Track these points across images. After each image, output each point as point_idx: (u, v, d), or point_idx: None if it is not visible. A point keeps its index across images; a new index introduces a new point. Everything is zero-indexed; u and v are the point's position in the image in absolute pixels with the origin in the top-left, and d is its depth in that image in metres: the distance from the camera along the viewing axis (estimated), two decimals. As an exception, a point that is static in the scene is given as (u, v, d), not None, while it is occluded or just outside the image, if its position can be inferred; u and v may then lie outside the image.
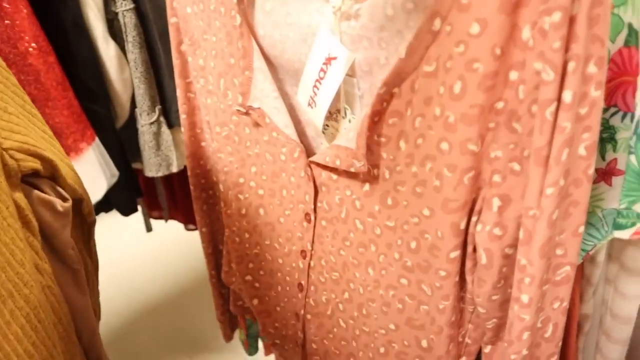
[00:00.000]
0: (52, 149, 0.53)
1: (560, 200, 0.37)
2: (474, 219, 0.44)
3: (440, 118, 0.41)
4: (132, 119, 0.87)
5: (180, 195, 1.02)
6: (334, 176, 0.52)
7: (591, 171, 0.38)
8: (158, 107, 0.86)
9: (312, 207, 0.57)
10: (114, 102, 0.84)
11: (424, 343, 0.54)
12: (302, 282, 0.65)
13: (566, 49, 0.33)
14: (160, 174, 0.89)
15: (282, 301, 0.70)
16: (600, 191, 0.44)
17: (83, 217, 0.59)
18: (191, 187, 0.76)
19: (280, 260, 0.67)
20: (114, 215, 0.97)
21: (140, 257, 1.63)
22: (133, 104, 0.86)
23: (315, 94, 0.51)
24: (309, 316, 0.66)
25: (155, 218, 1.10)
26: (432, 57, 0.40)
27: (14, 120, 0.48)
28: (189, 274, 1.55)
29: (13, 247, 0.45)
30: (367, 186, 0.50)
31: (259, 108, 0.56)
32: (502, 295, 0.47)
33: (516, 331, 0.44)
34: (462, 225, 0.44)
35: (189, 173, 0.75)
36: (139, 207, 1.04)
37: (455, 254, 0.46)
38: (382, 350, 0.58)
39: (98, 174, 0.81)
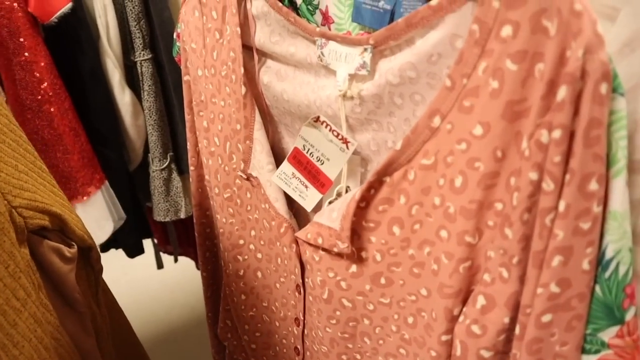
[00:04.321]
0: (59, 204, 0.53)
1: (553, 306, 0.37)
2: (463, 309, 0.43)
3: (440, 207, 0.42)
4: (145, 162, 0.88)
5: (193, 233, 1.01)
6: (316, 257, 0.51)
7: (595, 285, 0.37)
8: (170, 154, 0.86)
9: (301, 281, 0.56)
10: (127, 147, 0.85)
11: None
12: (298, 347, 0.63)
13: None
14: (168, 219, 0.89)
15: (279, 363, 0.68)
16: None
17: (91, 265, 0.60)
18: (196, 235, 0.76)
19: (277, 324, 0.66)
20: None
21: (158, 287, 1.65)
22: (147, 149, 0.87)
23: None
24: (308, 377, 0.64)
25: (167, 253, 1.10)
26: (430, 151, 0.40)
27: (23, 178, 0.49)
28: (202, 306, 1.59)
29: (6, 307, 0.45)
30: (354, 267, 0.49)
31: (256, 177, 0.56)
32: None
33: None
34: (456, 312, 0.43)
35: (194, 221, 0.75)
36: (152, 242, 1.05)
37: (447, 337, 0.45)
38: None
39: (105, 217, 0.81)
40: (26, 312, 0.47)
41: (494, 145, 0.36)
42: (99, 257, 0.60)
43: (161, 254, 1.08)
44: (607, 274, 0.36)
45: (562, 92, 0.31)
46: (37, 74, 0.70)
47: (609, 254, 0.35)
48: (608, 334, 0.37)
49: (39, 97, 0.70)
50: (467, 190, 0.38)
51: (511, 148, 0.36)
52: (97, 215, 0.79)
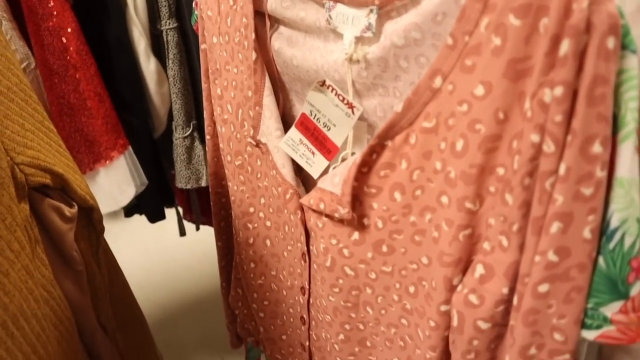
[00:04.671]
0: (63, 163, 0.55)
1: (551, 276, 0.35)
2: (462, 278, 0.42)
3: (442, 172, 0.40)
4: (170, 130, 0.90)
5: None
6: (320, 224, 0.51)
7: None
8: (193, 123, 0.87)
9: (306, 249, 0.56)
10: (152, 114, 0.86)
11: None
12: (304, 316, 0.64)
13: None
14: (189, 187, 0.91)
15: (288, 330, 0.69)
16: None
17: (93, 226, 0.62)
18: (212, 204, 0.77)
19: (284, 292, 0.66)
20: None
21: (187, 257, 1.69)
22: (171, 117, 0.88)
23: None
24: (313, 348, 0.64)
25: (191, 222, 1.12)
26: (431, 113, 0.39)
27: (29, 137, 0.51)
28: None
29: (0, 258, 0.47)
30: (356, 234, 0.48)
31: (265, 144, 0.56)
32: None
33: None
34: (455, 282, 0.43)
35: (210, 190, 0.76)
36: (176, 210, 1.07)
37: (446, 307, 0.44)
38: None
39: (127, 182, 0.83)
40: (19, 264, 0.48)
41: (495, 106, 0.35)
42: (101, 218, 0.62)
43: (185, 222, 1.11)
44: (611, 245, 0.34)
45: (565, 46, 0.29)
46: (64, 40, 0.72)
47: (614, 223, 0.33)
48: (611, 309, 0.36)
49: (65, 62, 0.72)
50: (467, 154, 0.37)
51: (514, 109, 0.34)
52: (119, 180, 0.81)
